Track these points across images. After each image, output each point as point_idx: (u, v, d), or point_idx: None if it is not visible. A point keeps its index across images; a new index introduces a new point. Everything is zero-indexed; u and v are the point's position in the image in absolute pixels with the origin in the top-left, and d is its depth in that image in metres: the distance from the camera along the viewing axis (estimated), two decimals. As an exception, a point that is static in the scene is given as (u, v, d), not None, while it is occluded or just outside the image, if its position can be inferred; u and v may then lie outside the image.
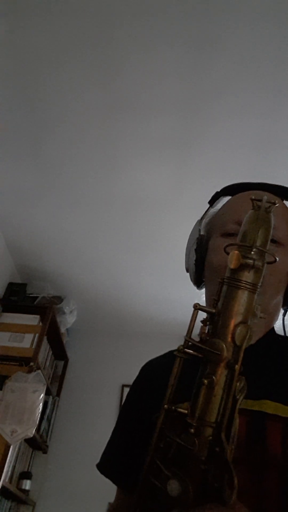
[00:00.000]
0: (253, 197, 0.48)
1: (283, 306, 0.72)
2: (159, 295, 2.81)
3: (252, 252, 0.44)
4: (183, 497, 0.38)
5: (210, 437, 0.40)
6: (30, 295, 2.77)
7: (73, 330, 3.18)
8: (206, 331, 0.45)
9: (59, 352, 2.98)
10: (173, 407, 0.44)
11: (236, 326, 0.43)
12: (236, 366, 0.42)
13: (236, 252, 0.44)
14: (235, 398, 0.41)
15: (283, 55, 1.46)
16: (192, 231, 0.78)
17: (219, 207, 0.79)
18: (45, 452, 2.72)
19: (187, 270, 0.77)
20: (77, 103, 1.73)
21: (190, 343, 0.45)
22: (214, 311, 0.45)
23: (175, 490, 0.38)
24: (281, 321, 0.73)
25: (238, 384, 0.42)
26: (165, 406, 0.45)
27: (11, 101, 1.75)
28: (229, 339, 0.43)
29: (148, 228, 2.31)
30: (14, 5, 1.42)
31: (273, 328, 0.71)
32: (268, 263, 0.46)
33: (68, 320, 2.87)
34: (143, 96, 1.66)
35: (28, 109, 1.78)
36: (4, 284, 2.71)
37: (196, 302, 0.48)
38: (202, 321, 0.45)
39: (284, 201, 0.78)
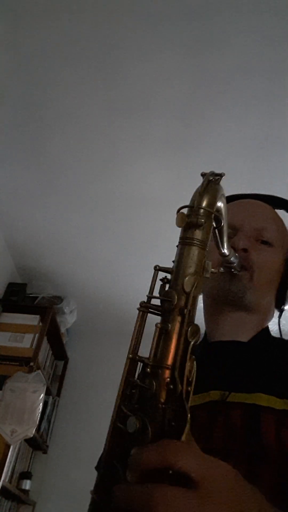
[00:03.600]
0: (202, 172, 0.53)
1: (276, 307, 0.74)
2: (159, 295, 2.81)
3: (200, 212, 0.48)
4: (142, 434, 0.40)
5: (168, 379, 0.43)
6: (30, 295, 2.77)
7: (73, 330, 3.18)
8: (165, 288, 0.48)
9: (59, 352, 2.97)
10: (136, 356, 0.47)
11: (185, 276, 0.46)
12: (186, 310, 0.44)
13: (180, 213, 0.48)
14: (187, 341, 0.44)
15: (283, 56, 1.46)
16: None
17: None
18: (45, 452, 2.72)
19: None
20: (77, 104, 1.73)
21: (151, 300, 0.49)
22: (171, 269, 0.49)
23: (133, 426, 0.40)
24: (278, 325, 0.75)
25: (190, 328, 0.44)
26: (130, 355, 0.48)
27: (11, 101, 1.75)
28: (180, 289, 0.46)
29: (148, 228, 2.31)
30: (16, 6, 1.42)
31: (267, 327, 0.72)
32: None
33: (68, 320, 2.87)
34: (144, 97, 1.67)
35: (29, 110, 1.78)
36: (4, 284, 2.71)
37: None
38: (161, 279, 0.49)
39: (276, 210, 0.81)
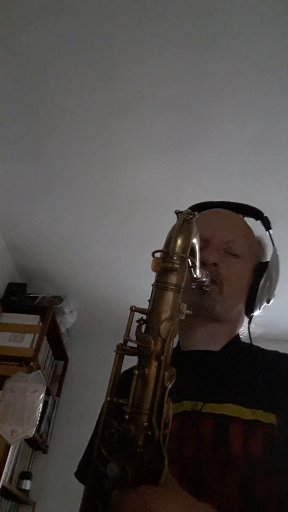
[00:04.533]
0: (177, 210, 0.55)
1: (246, 314, 0.77)
2: (159, 295, 2.80)
3: (174, 257, 0.49)
4: (122, 478, 0.42)
5: (146, 423, 0.45)
6: (30, 295, 2.76)
7: (73, 330, 3.18)
8: (142, 330, 0.50)
9: (59, 352, 2.97)
10: (114, 399, 0.49)
11: (162, 322, 0.48)
12: (163, 357, 0.46)
13: (155, 258, 0.50)
14: (164, 386, 0.46)
15: (283, 56, 1.46)
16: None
17: None
18: (45, 452, 2.72)
19: None
20: (77, 104, 1.73)
21: (127, 341, 0.51)
22: (147, 311, 0.50)
23: (113, 472, 0.42)
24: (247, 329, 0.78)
25: (166, 373, 0.46)
26: (108, 398, 0.50)
27: (11, 101, 1.75)
28: (157, 334, 0.47)
29: (148, 228, 2.31)
30: (15, 5, 1.42)
31: (237, 335, 0.76)
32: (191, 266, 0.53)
33: (68, 320, 2.87)
34: (143, 97, 1.67)
35: (29, 110, 1.78)
36: (4, 284, 2.71)
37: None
38: (137, 321, 0.50)
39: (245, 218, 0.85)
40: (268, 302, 0.78)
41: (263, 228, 0.83)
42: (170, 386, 0.46)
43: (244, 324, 0.78)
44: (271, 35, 1.41)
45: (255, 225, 0.83)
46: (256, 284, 0.74)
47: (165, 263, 0.49)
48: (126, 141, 1.86)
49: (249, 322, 0.77)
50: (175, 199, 2.07)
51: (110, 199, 2.18)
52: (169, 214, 0.92)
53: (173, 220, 0.92)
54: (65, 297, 2.89)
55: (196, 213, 0.53)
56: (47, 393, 2.61)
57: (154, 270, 0.50)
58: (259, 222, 0.84)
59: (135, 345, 0.49)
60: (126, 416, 0.45)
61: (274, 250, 0.78)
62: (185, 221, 0.52)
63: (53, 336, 2.75)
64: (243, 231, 0.79)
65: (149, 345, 0.47)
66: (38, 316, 2.55)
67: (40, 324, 2.53)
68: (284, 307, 2.58)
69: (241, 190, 1.98)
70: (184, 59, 1.51)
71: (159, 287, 0.50)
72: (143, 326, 0.50)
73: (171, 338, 0.47)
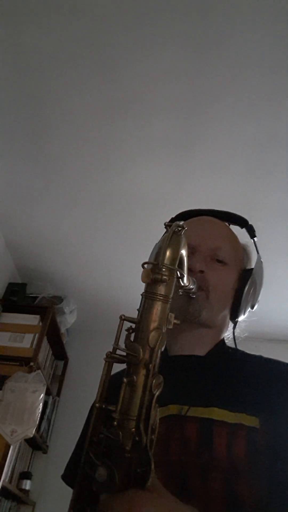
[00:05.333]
0: (166, 223, 0.57)
1: (231, 319, 0.79)
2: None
3: (163, 269, 0.51)
4: (109, 482, 0.43)
5: (133, 429, 0.46)
6: (30, 295, 2.77)
7: (73, 330, 3.18)
8: (131, 338, 0.52)
9: (59, 352, 2.97)
10: (103, 405, 0.50)
11: (151, 331, 0.50)
12: (151, 365, 0.48)
13: (144, 269, 0.52)
14: (152, 393, 0.47)
15: (283, 56, 1.46)
16: (150, 255, 0.87)
17: None
18: (45, 452, 2.72)
19: None
20: (77, 103, 1.73)
21: (116, 349, 0.52)
22: (136, 320, 0.52)
23: (102, 476, 0.44)
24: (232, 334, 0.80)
25: (154, 381, 0.48)
26: (97, 404, 0.51)
27: (11, 101, 1.75)
28: (145, 343, 0.49)
29: (148, 228, 2.31)
30: (15, 5, 1.42)
31: (223, 339, 0.79)
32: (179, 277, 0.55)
33: (68, 320, 2.87)
34: (143, 96, 1.67)
35: (28, 110, 1.78)
36: (4, 284, 2.71)
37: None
38: (126, 330, 0.52)
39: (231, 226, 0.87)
40: (252, 307, 0.80)
41: (247, 236, 0.86)
42: (157, 393, 0.48)
43: (229, 329, 0.81)
44: (271, 35, 1.41)
45: (240, 233, 0.86)
46: (241, 290, 0.76)
47: (155, 275, 0.51)
48: (126, 141, 1.86)
49: (234, 327, 0.79)
50: (175, 199, 2.07)
51: (110, 199, 2.18)
52: (169, 214, 0.93)
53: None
54: (65, 297, 2.89)
55: (184, 225, 0.55)
56: (47, 393, 2.61)
57: (143, 281, 0.52)
58: (244, 230, 0.86)
59: (124, 353, 0.51)
60: (115, 423, 0.46)
61: (258, 258, 0.81)
62: (174, 233, 0.54)
63: (53, 336, 2.75)
64: (229, 239, 0.81)
65: (138, 354, 0.48)
66: (38, 316, 2.55)
67: (40, 324, 2.53)
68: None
69: (241, 190, 1.98)
70: (184, 59, 1.51)
71: (148, 297, 0.52)
72: (132, 335, 0.51)
73: (159, 347, 0.49)
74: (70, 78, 1.63)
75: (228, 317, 0.79)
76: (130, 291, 2.82)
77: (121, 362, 0.51)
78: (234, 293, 0.77)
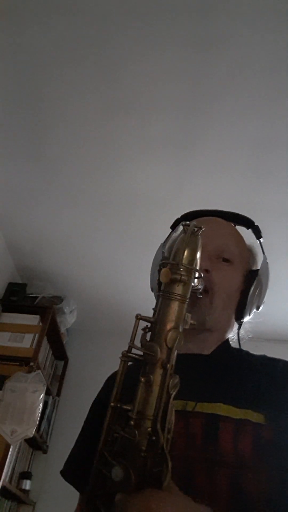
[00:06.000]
0: (183, 223, 0.56)
1: (236, 320, 0.79)
2: (159, 295, 2.80)
3: (181, 269, 0.51)
4: (125, 482, 0.44)
5: (149, 428, 0.46)
6: (30, 295, 2.76)
7: (73, 330, 3.18)
8: (147, 337, 0.51)
9: (59, 352, 2.97)
10: (118, 405, 0.50)
11: (168, 331, 0.50)
12: (168, 365, 0.48)
13: (165, 269, 0.52)
14: (168, 393, 0.47)
15: (283, 56, 1.46)
16: (156, 253, 0.87)
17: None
18: (45, 452, 2.72)
19: (152, 290, 0.82)
20: (76, 103, 1.73)
21: (132, 348, 0.52)
22: (152, 319, 0.52)
23: (118, 476, 0.44)
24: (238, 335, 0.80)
25: (171, 381, 0.48)
26: (112, 404, 0.51)
27: (10, 101, 1.75)
28: (163, 343, 0.49)
29: (147, 228, 2.31)
30: (15, 5, 1.42)
31: (227, 339, 0.79)
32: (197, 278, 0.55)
33: (68, 320, 2.87)
34: (142, 96, 1.67)
35: (28, 110, 1.78)
36: (4, 284, 2.71)
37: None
38: (142, 329, 0.52)
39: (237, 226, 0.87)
40: (257, 308, 0.79)
41: (253, 237, 0.85)
42: (174, 393, 0.48)
43: (234, 330, 0.80)
44: (271, 35, 1.41)
45: (246, 234, 0.85)
46: (247, 291, 0.76)
47: (174, 275, 0.51)
48: (126, 141, 1.86)
49: (239, 328, 0.79)
50: (175, 199, 2.07)
51: (110, 199, 2.18)
52: (169, 214, 0.92)
53: (172, 219, 0.92)
54: (65, 297, 2.89)
55: (202, 226, 0.55)
56: (47, 393, 2.61)
57: (162, 281, 0.52)
58: (249, 231, 0.86)
59: (140, 352, 0.50)
60: (132, 422, 0.46)
61: (264, 258, 0.80)
62: (192, 233, 0.54)
63: (53, 336, 2.75)
64: (235, 238, 0.81)
65: (155, 353, 0.48)
66: (38, 316, 2.54)
67: (40, 324, 2.53)
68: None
69: (241, 190, 1.98)
70: (185, 59, 1.51)
71: (166, 296, 0.51)
72: (148, 334, 0.51)
73: (177, 347, 0.49)
74: (70, 78, 1.63)
75: (233, 317, 0.78)
76: (130, 291, 2.82)
77: (138, 361, 0.51)
78: (239, 293, 0.77)
